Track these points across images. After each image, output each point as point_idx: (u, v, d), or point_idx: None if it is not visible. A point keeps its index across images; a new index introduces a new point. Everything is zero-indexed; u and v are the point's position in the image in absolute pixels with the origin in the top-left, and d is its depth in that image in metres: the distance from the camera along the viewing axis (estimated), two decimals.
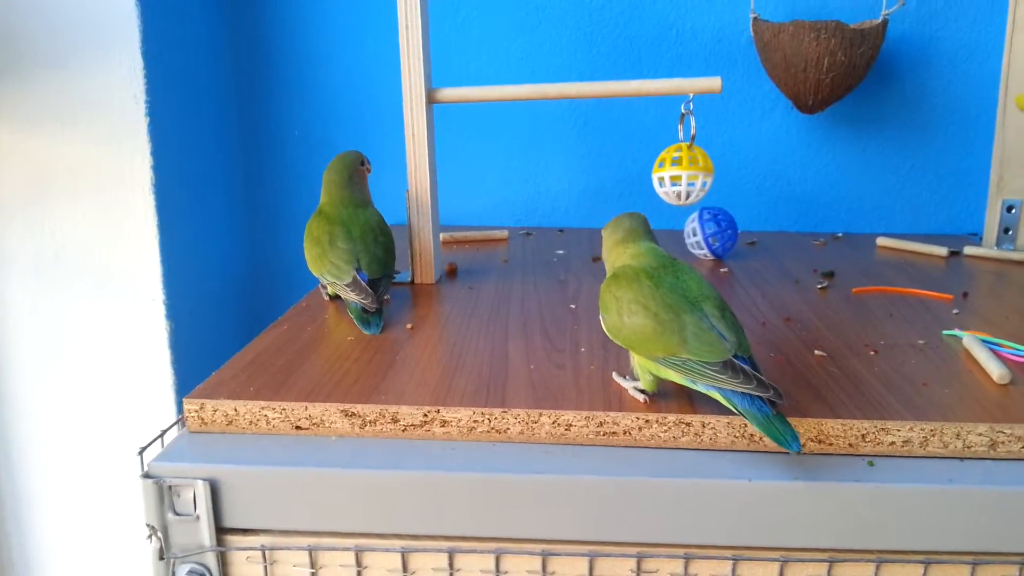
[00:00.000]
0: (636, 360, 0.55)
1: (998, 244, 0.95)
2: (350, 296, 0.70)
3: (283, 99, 1.12)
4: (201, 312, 1.03)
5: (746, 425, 0.51)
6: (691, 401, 0.54)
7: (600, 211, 1.11)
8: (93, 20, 0.88)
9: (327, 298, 0.79)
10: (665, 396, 0.54)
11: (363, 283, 0.70)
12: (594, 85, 0.78)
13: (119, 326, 0.95)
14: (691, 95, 0.77)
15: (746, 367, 0.49)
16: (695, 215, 0.92)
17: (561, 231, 1.09)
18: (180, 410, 0.97)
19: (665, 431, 0.52)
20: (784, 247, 0.99)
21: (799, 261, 0.92)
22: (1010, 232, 0.95)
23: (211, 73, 1.06)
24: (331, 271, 0.72)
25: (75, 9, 0.88)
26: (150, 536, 0.52)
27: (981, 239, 0.98)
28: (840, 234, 1.06)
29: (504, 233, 1.04)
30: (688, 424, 0.52)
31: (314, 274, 0.75)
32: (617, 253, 0.59)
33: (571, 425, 0.53)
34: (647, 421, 0.52)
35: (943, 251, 0.93)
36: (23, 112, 0.90)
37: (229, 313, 1.12)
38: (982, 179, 1.03)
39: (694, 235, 0.92)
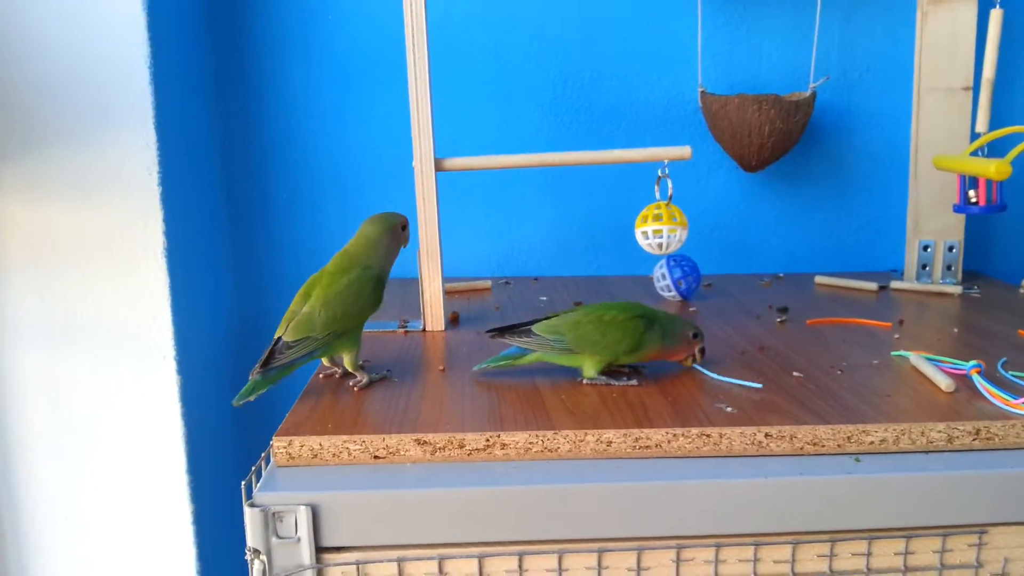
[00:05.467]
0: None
1: (918, 278, 1.11)
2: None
3: (271, 169, 1.19)
4: (205, 366, 1.08)
5: (755, 434, 0.62)
6: (709, 417, 0.64)
7: (569, 260, 1.23)
8: (108, 97, 0.95)
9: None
10: (689, 410, 0.65)
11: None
12: (586, 154, 0.89)
13: (129, 383, 0.99)
14: (665, 161, 0.90)
15: None
16: (663, 262, 1.04)
17: (536, 279, 1.20)
18: (190, 458, 1.03)
19: (690, 442, 0.63)
20: (736, 287, 1.12)
21: (753, 299, 1.05)
22: (927, 268, 1.11)
23: (211, 140, 1.14)
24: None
25: (90, 87, 0.94)
26: (252, 559, 0.58)
27: (902, 274, 1.14)
28: (781, 274, 1.20)
29: (487, 283, 1.14)
30: (708, 435, 0.63)
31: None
32: None
33: (611, 442, 0.63)
34: (675, 435, 0.62)
35: (874, 286, 1.08)
36: (36, 183, 0.95)
37: (227, 365, 1.18)
38: (898, 224, 1.20)
39: (663, 279, 1.03)
